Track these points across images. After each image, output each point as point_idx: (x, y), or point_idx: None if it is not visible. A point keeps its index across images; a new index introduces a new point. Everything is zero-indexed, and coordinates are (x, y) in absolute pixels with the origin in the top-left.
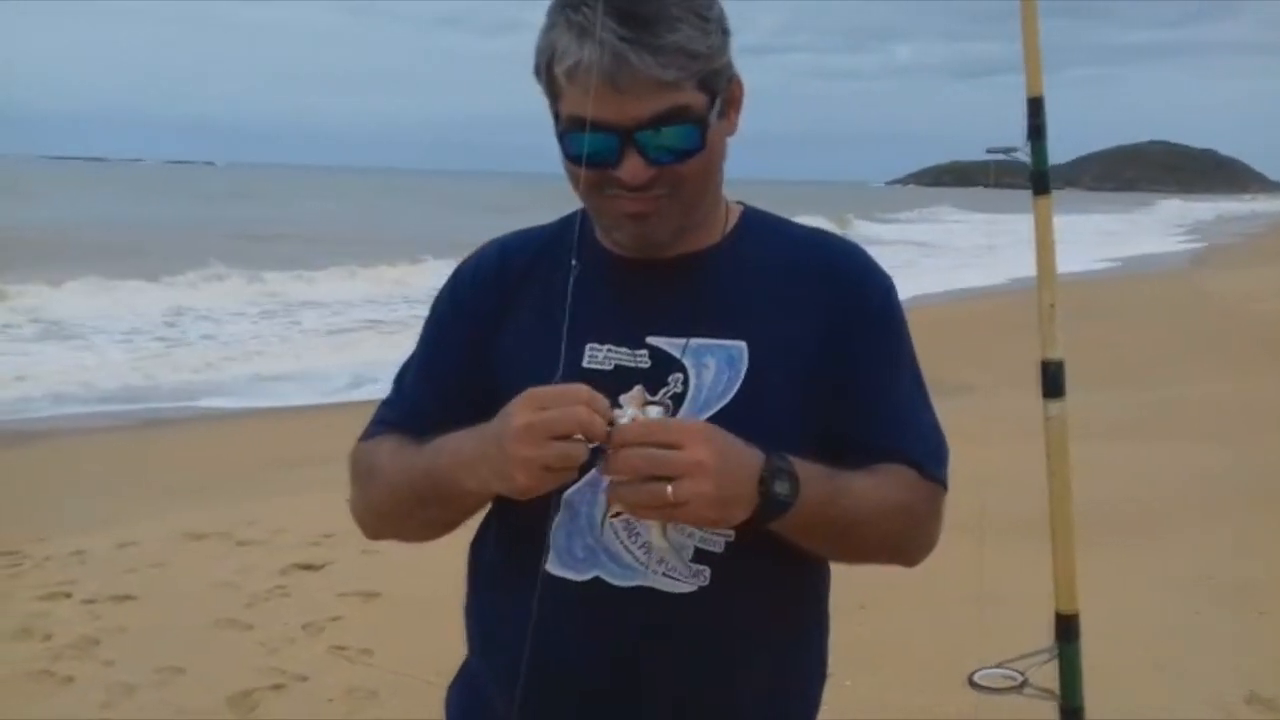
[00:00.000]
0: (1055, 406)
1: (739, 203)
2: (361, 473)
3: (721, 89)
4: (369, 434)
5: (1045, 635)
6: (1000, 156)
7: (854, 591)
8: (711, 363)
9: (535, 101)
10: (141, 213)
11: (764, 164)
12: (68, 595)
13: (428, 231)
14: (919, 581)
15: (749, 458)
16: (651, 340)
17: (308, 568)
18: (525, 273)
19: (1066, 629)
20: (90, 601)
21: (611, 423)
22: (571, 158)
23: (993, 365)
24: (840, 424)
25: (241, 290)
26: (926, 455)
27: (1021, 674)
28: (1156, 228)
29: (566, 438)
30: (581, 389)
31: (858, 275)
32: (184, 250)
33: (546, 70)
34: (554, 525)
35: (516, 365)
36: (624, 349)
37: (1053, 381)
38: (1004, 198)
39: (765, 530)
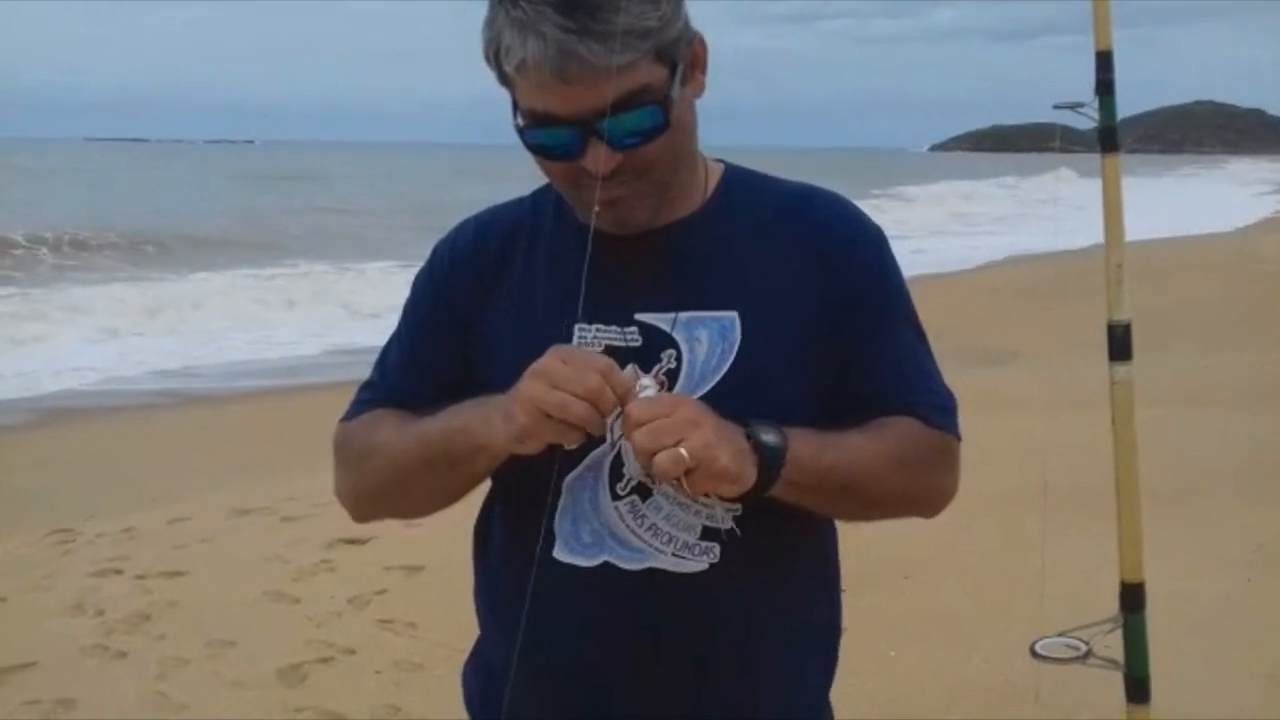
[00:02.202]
0: (1122, 370)
1: (719, 161)
2: (352, 452)
3: (681, 56)
4: (350, 415)
5: (1104, 604)
6: (1068, 114)
7: (898, 562)
8: (704, 336)
9: None
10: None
11: (802, 133)
12: (119, 571)
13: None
14: (967, 551)
15: (728, 421)
16: (640, 317)
17: (353, 542)
18: (503, 250)
19: (1132, 598)
20: (141, 577)
21: (623, 400)
22: (533, 151)
23: (1039, 331)
24: (840, 384)
25: None
26: (930, 406)
27: (1085, 643)
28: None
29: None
30: (603, 360)
31: (847, 229)
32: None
33: (496, 63)
34: (559, 512)
35: (500, 346)
36: (613, 328)
37: (1120, 344)
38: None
39: (771, 500)
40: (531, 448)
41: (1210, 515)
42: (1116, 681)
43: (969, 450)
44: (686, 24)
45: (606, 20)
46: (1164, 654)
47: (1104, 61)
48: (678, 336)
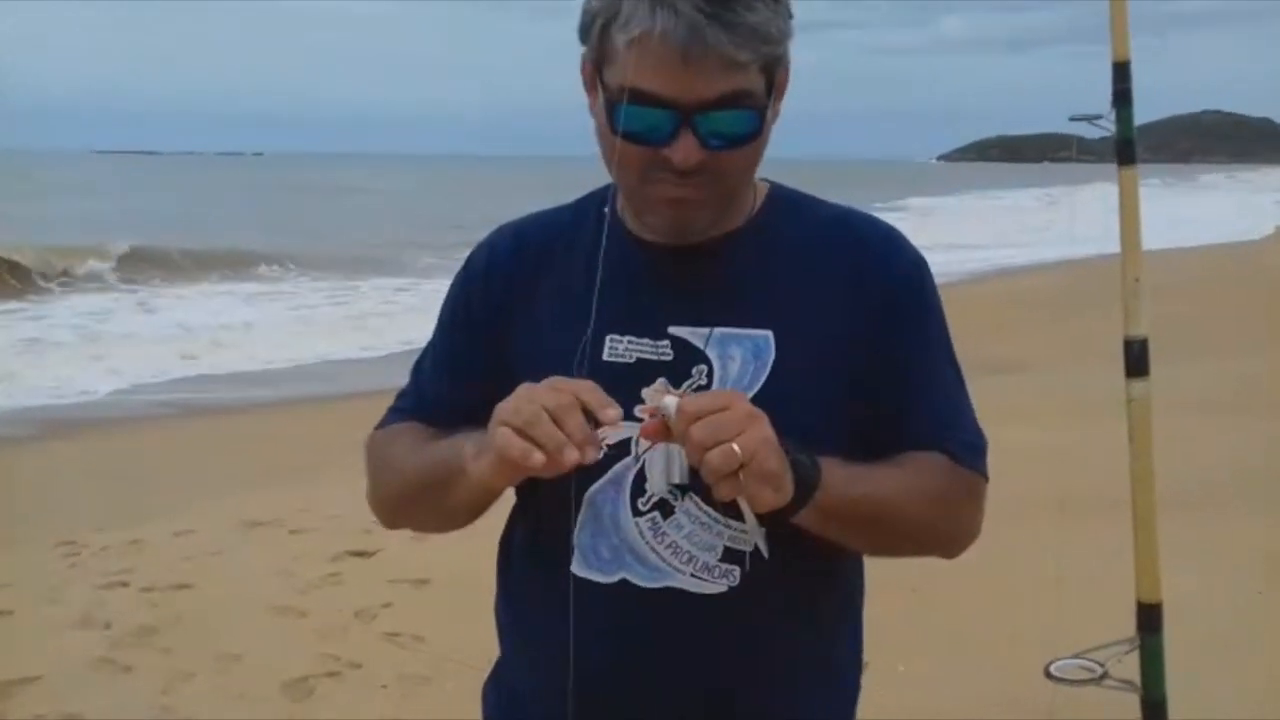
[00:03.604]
0: (1139, 386)
1: (765, 181)
2: (374, 463)
3: (777, 75)
4: (385, 423)
5: (1118, 619)
6: (1083, 126)
7: (905, 574)
8: (737, 353)
9: (575, 86)
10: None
11: (812, 143)
12: (126, 584)
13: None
14: (977, 563)
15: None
16: (674, 330)
17: (360, 555)
18: (541, 259)
19: (1150, 619)
20: (148, 590)
21: (601, 422)
22: (620, 132)
23: (1048, 342)
24: (873, 414)
25: None
26: (962, 445)
27: (1101, 665)
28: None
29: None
30: (584, 383)
31: (888, 256)
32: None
33: (601, 33)
34: (578, 526)
35: (534, 357)
36: (646, 340)
37: (1136, 360)
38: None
39: (795, 527)
40: (487, 465)
41: (1224, 524)
42: (1133, 703)
43: (990, 459)
44: (788, 49)
45: (739, 14)
46: (1178, 669)
47: (1121, 72)
48: (710, 353)
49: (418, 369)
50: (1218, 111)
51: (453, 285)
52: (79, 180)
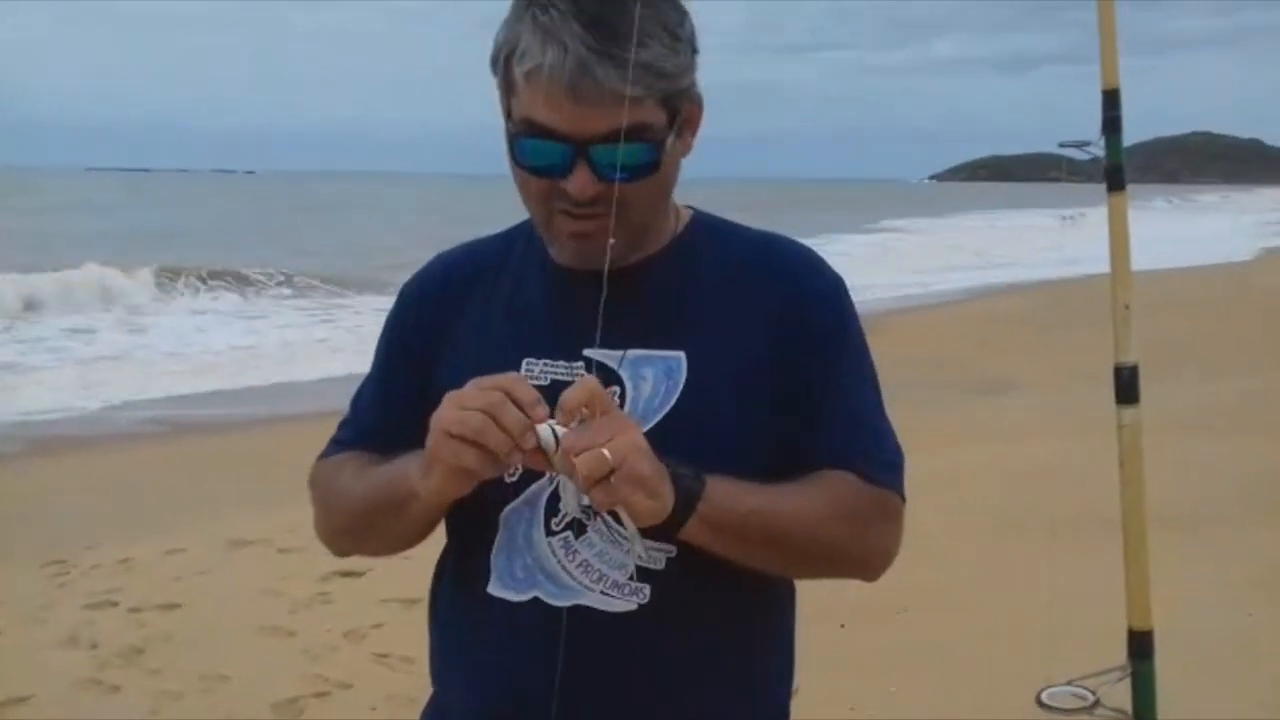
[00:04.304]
0: (1129, 413)
1: (689, 207)
2: (320, 493)
3: (683, 109)
4: (327, 454)
5: (1109, 642)
6: (1073, 151)
7: (895, 595)
8: (649, 375)
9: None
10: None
11: (802, 164)
12: (114, 604)
13: None
14: (966, 583)
15: (655, 458)
16: (589, 353)
17: (349, 575)
18: (469, 287)
19: (1141, 646)
20: (136, 610)
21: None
22: (519, 164)
23: (1034, 362)
24: (789, 434)
25: None
26: (873, 462)
27: (1093, 693)
28: None
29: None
30: (507, 375)
31: (805, 278)
32: None
33: (505, 65)
34: (495, 547)
35: (458, 382)
36: (561, 363)
37: (1127, 387)
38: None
39: (692, 546)
40: (438, 480)
41: (1214, 544)
42: None
43: (970, 479)
44: (694, 83)
45: (629, 49)
46: (1169, 694)
47: (1110, 100)
48: (624, 374)
49: (357, 399)
50: (1205, 133)
51: (388, 316)
52: (79, 197)
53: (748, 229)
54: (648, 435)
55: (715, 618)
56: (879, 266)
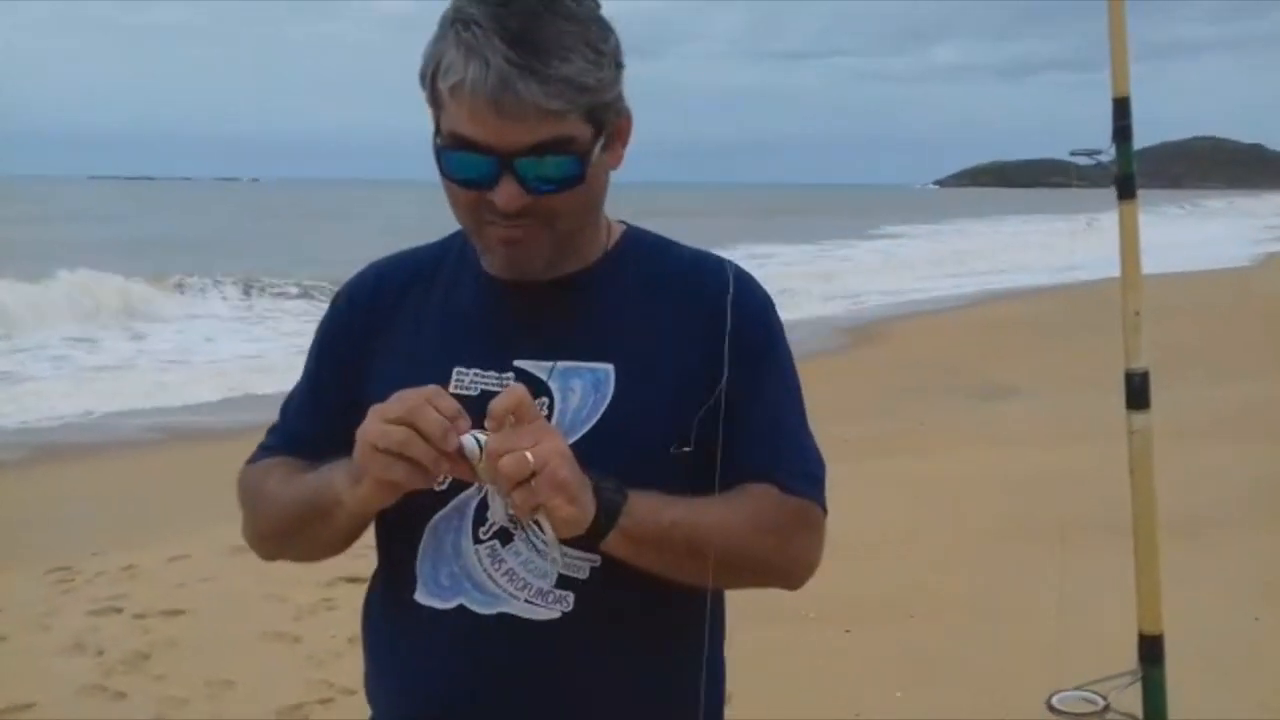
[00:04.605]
0: (1140, 419)
1: (621, 222)
2: (247, 499)
3: (609, 122)
4: (255, 459)
5: (1121, 650)
6: (1084, 159)
7: (901, 599)
8: (577, 386)
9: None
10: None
11: (804, 170)
12: (119, 610)
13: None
14: (972, 588)
15: (579, 469)
16: (519, 364)
17: (353, 580)
18: (401, 295)
19: (1151, 650)
20: (141, 616)
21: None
22: (447, 176)
23: (1040, 367)
24: (710, 448)
25: None
26: (793, 474)
27: (1104, 698)
28: None
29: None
30: (429, 386)
31: (736, 296)
32: None
33: (431, 81)
34: (420, 554)
35: (387, 390)
36: (491, 373)
37: (1137, 392)
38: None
39: (614, 558)
40: (366, 491)
41: (1220, 549)
42: None
43: (976, 484)
44: (620, 96)
45: (550, 65)
46: (1178, 698)
47: (1121, 108)
48: (552, 385)
49: (286, 406)
50: (1209, 138)
51: (320, 323)
52: (83, 205)
53: (680, 245)
54: (575, 446)
55: (640, 626)
56: (883, 272)
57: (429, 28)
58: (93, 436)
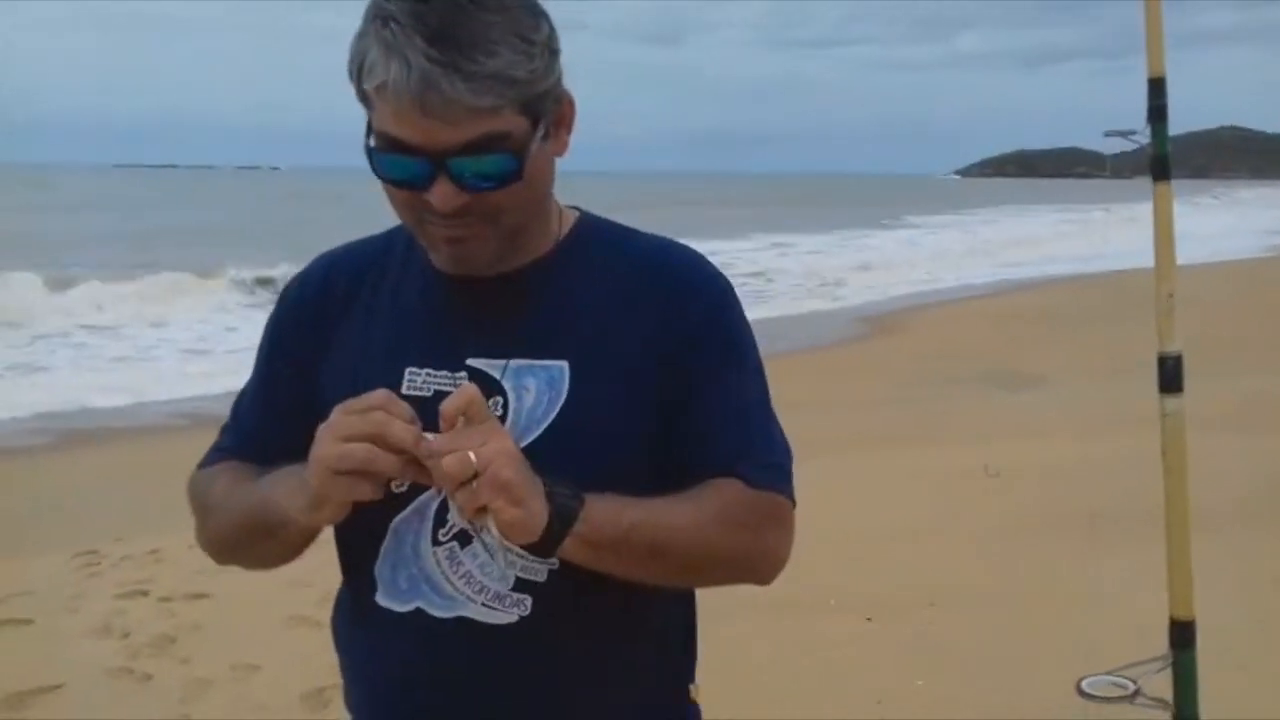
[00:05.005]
0: (1172, 402)
1: (574, 209)
2: (196, 505)
3: (547, 112)
4: (207, 462)
5: (1147, 639)
6: (1117, 140)
7: (922, 589)
8: (532, 385)
9: (590, 100)
10: None
11: (825, 159)
12: (145, 594)
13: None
14: (994, 578)
15: (531, 473)
16: (471, 362)
17: None
18: (351, 290)
19: (1182, 635)
20: (167, 600)
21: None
22: (380, 178)
23: (1064, 357)
24: (674, 444)
25: None
26: (758, 467)
27: (1134, 682)
28: None
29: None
30: (377, 395)
31: (690, 281)
32: None
33: (357, 79)
34: (380, 556)
35: (338, 390)
36: (444, 372)
37: (1170, 376)
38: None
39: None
40: (329, 513)
41: (1249, 538)
42: None
43: (1003, 474)
44: (558, 82)
45: (476, 60)
46: (1208, 688)
47: (1156, 88)
48: (506, 384)
49: (238, 405)
50: (1235, 127)
51: (270, 318)
52: (113, 194)
53: (636, 233)
54: (531, 446)
55: (600, 628)
56: (907, 262)
57: None
58: (117, 423)
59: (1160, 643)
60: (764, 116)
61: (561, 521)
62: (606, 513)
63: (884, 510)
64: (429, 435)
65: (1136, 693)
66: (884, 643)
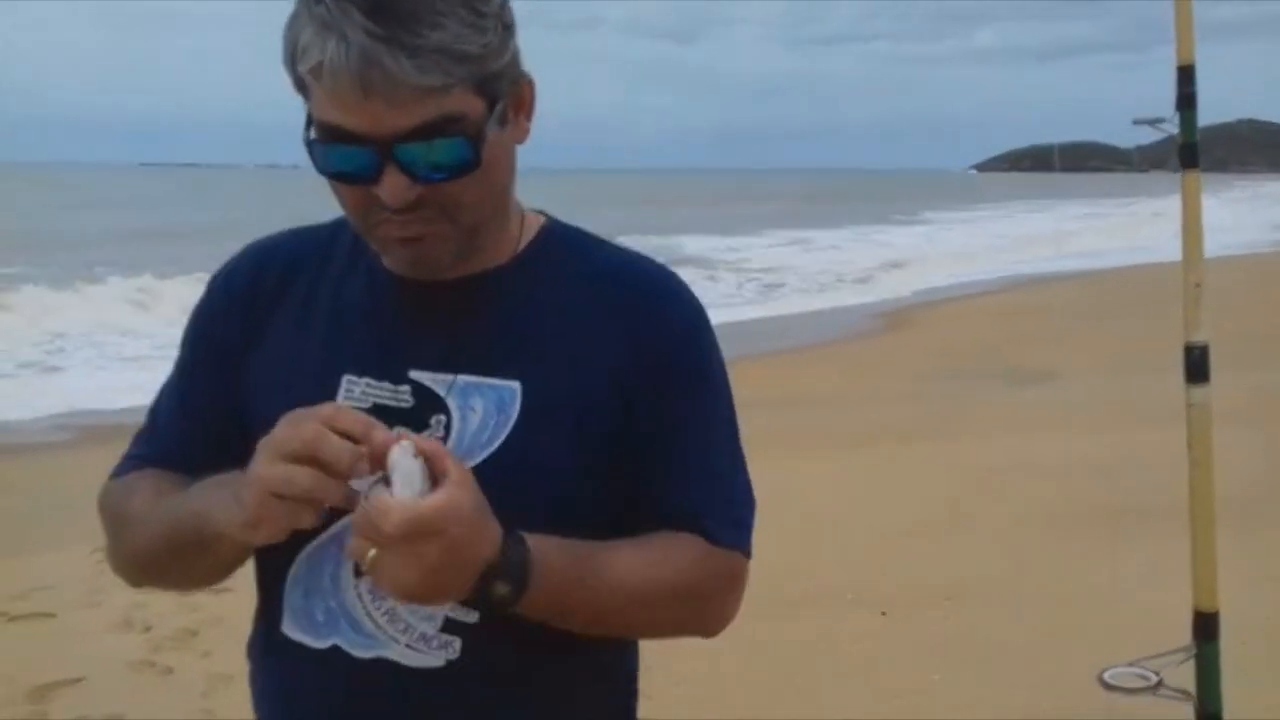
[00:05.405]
0: (1199, 393)
1: (541, 213)
2: (109, 519)
3: (504, 92)
4: (120, 471)
5: (1169, 633)
6: (1146, 129)
7: (939, 584)
8: (479, 405)
9: (607, 97)
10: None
11: (842, 155)
12: None
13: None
14: (1012, 572)
15: (477, 549)
16: (415, 375)
17: None
18: (284, 284)
19: (1206, 627)
20: (187, 593)
21: (360, 440)
22: (323, 172)
23: (1089, 349)
24: (630, 482)
25: None
26: (720, 520)
27: (1156, 674)
28: None
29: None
30: (325, 409)
31: (665, 309)
32: None
33: (292, 64)
34: (290, 582)
35: (270, 396)
36: (385, 384)
37: (1197, 366)
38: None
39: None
40: (266, 535)
41: (1259, 535)
42: (1189, 715)
43: (1018, 470)
44: (515, 61)
45: (420, 34)
46: (1233, 682)
47: (1186, 76)
48: (451, 402)
49: (155, 409)
50: (1253, 121)
51: (193, 312)
52: (139, 193)
53: (608, 244)
54: (474, 471)
55: (535, 673)
56: (923, 258)
57: None
58: (137, 421)
59: (1181, 637)
60: (780, 113)
61: (484, 607)
62: (556, 588)
63: (900, 505)
64: (369, 481)
65: (1159, 684)
66: (900, 638)
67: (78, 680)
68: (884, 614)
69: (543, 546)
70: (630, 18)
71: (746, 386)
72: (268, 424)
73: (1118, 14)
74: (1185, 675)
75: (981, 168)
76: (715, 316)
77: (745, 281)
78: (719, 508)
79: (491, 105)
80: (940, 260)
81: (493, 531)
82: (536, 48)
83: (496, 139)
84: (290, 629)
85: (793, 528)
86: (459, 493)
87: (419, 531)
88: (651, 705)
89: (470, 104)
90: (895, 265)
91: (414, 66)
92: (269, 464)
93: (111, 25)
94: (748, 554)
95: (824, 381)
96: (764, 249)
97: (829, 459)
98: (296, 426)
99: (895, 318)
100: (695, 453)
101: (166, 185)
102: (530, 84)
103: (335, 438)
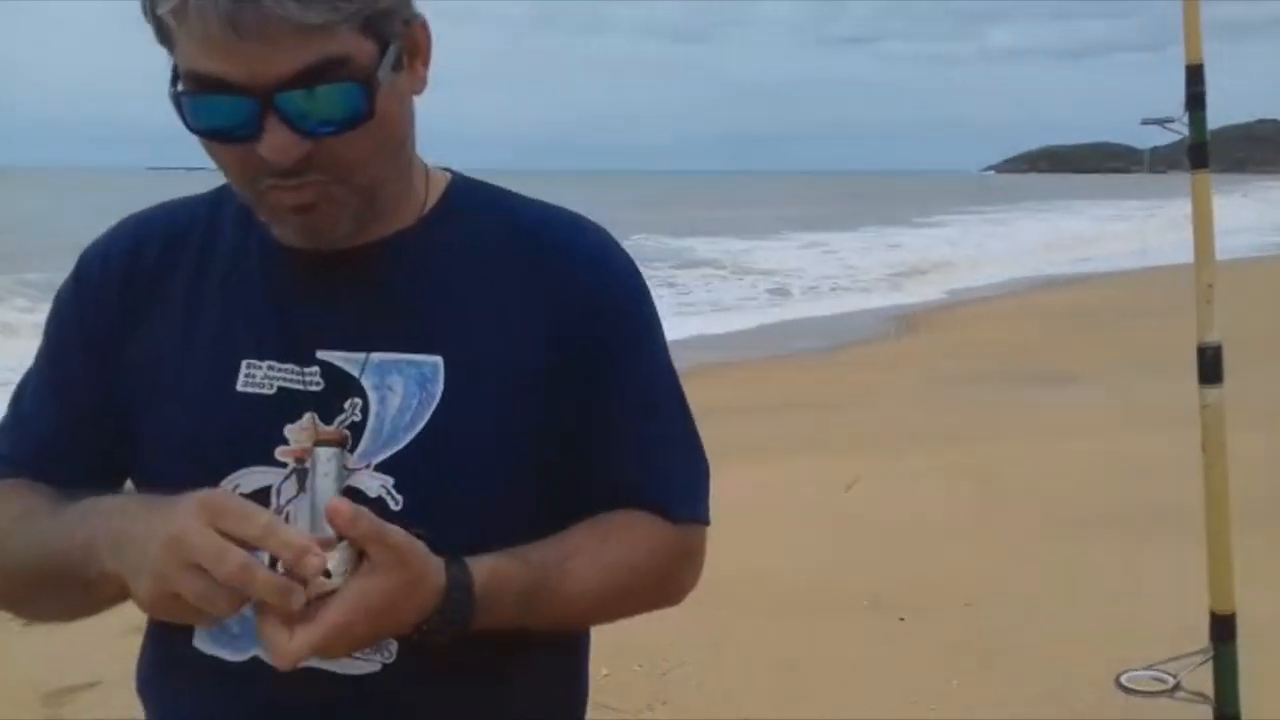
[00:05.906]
0: (1212, 394)
1: (445, 170)
2: None
3: (395, 34)
4: None
5: (1186, 636)
6: (1155, 129)
7: (957, 588)
8: (398, 384)
9: (619, 98)
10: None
11: (858, 156)
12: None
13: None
14: (1030, 577)
15: (406, 616)
16: (323, 355)
17: None
18: (163, 259)
19: (1223, 629)
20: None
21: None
22: (194, 130)
23: (1102, 352)
24: (569, 457)
25: None
26: (674, 492)
27: (1174, 676)
28: None
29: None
30: (259, 522)
31: (597, 271)
32: None
33: (150, 9)
34: None
35: (154, 386)
36: (290, 366)
37: (1210, 367)
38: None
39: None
40: (162, 614)
41: (1267, 538)
42: (1205, 716)
43: (1035, 473)
44: (406, 2)
45: None
46: (1252, 686)
47: (1194, 75)
48: (366, 383)
49: (17, 401)
50: (1272, 120)
51: (57, 297)
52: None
53: (519, 198)
54: (396, 459)
55: (476, 674)
56: (941, 261)
57: (476, 19)
58: None
59: (1198, 640)
60: (795, 114)
61: (416, 645)
62: (506, 613)
63: (918, 509)
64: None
65: (1176, 686)
66: (918, 643)
67: (93, 685)
68: (902, 619)
69: (493, 579)
70: (642, 19)
71: (761, 391)
72: (160, 421)
73: (1134, 14)
74: (1203, 678)
75: (998, 169)
76: (730, 320)
77: (759, 285)
78: (674, 479)
79: (383, 48)
80: (958, 263)
81: (428, 588)
82: (546, 49)
83: (391, 87)
84: (203, 643)
85: (811, 532)
86: (382, 580)
87: (335, 639)
88: (669, 709)
89: (358, 45)
90: (913, 268)
91: (295, 3)
92: (179, 566)
93: (116, 29)
94: (706, 521)
95: (841, 385)
96: (780, 251)
97: (847, 463)
98: (217, 552)
99: (913, 320)
100: (638, 422)
101: (175, 190)
102: (424, 26)
103: (264, 573)
